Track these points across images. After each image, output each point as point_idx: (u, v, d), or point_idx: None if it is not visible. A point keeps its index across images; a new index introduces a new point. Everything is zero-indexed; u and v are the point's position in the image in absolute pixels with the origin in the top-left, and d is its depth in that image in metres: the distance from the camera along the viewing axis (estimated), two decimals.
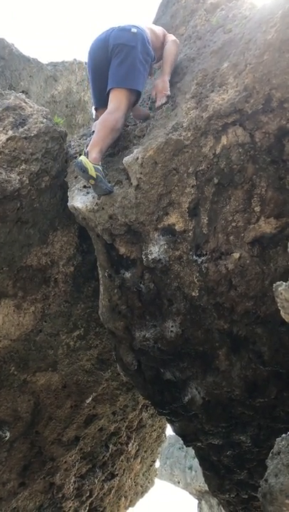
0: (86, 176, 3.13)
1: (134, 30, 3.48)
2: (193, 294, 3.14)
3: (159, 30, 3.90)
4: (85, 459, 5.65)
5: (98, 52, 3.61)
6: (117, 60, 3.44)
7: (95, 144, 3.27)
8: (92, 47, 3.69)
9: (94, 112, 4.01)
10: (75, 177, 3.59)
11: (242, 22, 3.19)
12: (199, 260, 3.10)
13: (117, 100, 3.37)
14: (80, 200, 3.34)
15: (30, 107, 3.63)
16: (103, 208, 3.24)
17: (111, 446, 5.93)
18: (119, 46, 3.45)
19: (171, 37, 3.81)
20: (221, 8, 3.81)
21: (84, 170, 3.10)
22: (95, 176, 3.11)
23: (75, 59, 7.76)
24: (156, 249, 3.19)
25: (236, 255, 3.00)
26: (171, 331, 3.28)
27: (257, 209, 2.93)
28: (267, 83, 2.66)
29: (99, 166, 3.17)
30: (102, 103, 3.62)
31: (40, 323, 4.20)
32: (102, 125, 3.33)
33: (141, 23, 3.67)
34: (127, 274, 3.38)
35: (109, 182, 3.29)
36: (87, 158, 3.16)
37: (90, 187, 3.37)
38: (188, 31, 4.11)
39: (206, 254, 3.09)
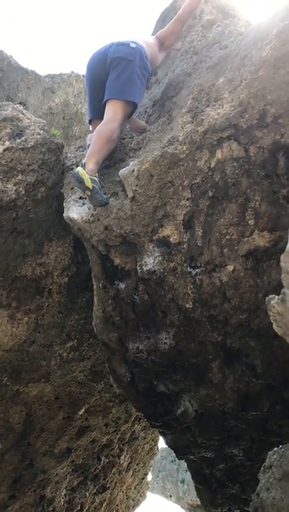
0: (82, 187, 3.15)
1: (132, 45, 3.56)
2: (187, 306, 3.15)
3: (152, 40, 3.99)
4: (77, 471, 5.59)
5: (97, 64, 3.67)
6: (115, 72, 3.49)
7: (91, 155, 3.29)
8: (91, 60, 3.75)
9: (88, 124, 4.04)
10: (71, 188, 3.61)
11: (238, 39, 3.25)
12: (193, 272, 3.12)
13: (113, 111, 3.41)
14: (75, 211, 3.36)
15: (28, 118, 3.66)
16: (99, 219, 3.26)
17: (103, 458, 5.88)
18: (118, 60, 3.51)
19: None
20: (218, 24, 3.88)
21: (80, 181, 3.11)
22: (91, 187, 3.12)
23: (72, 71, 7.83)
24: (150, 261, 3.20)
25: (230, 268, 3.02)
26: (165, 343, 3.28)
27: (251, 222, 2.95)
28: (262, 99, 2.70)
29: (95, 178, 3.19)
30: (97, 115, 3.67)
31: (33, 334, 4.19)
32: (98, 136, 3.35)
33: (139, 38, 3.72)
34: (122, 285, 3.39)
35: (105, 194, 3.32)
36: (84, 169, 3.18)
37: (85, 198, 3.39)
38: (185, 46, 4.18)
39: (201, 266, 3.11)
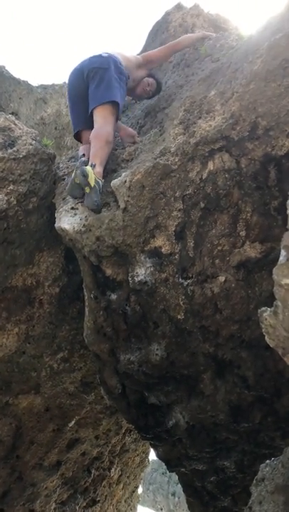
0: (84, 182, 3.22)
1: (104, 54, 3.72)
2: (179, 316, 3.15)
3: (130, 55, 4.10)
4: (67, 484, 5.52)
5: (75, 80, 3.81)
6: (94, 82, 3.61)
7: (94, 155, 3.39)
8: (70, 76, 3.90)
9: (74, 137, 4.09)
10: (63, 198, 3.60)
11: (229, 52, 3.29)
12: (185, 283, 3.12)
13: (102, 116, 3.52)
14: (67, 221, 3.35)
15: (20, 128, 3.66)
16: (90, 230, 3.25)
17: (93, 471, 5.81)
18: (94, 70, 3.64)
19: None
20: (209, 38, 3.93)
21: (85, 175, 3.21)
22: (92, 185, 3.20)
23: (65, 82, 7.87)
24: (142, 272, 3.19)
25: (222, 279, 3.02)
26: (156, 354, 3.26)
27: (242, 233, 2.96)
28: (253, 111, 2.72)
29: (100, 181, 3.28)
30: (84, 125, 3.78)
31: (23, 345, 4.15)
32: (97, 139, 3.44)
33: (112, 50, 3.87)
34: (113, 296, 3.38)
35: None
36: (93, 169, 3.26)
37: (77, 208, 3.39)
38: (177, 59, 4.21)
39: (192, 277, 3.11)
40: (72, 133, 4.09)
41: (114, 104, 3.54)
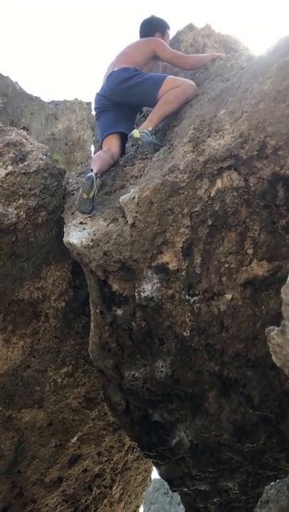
0: (133, 140, 3.57)
1: (116, 69, 3.98)
2: (185, 334, 3.13)
3: (135, 57, 4.21)
4: (67, 501, 5.45)
5: (100, 103, 4.14)
6: (136, 83, 3.85)
7: (148, 119, 3.72)
8: (96, 103, 4.22)
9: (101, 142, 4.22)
10: (72, 213, 3.63)
11: (239, 72, 3.33)
12: (192, 300, 3.11)
13: (173, 84, 3.75)
14: (75, 236, 3.37)
15: (31, 143, 3.71)
16: (98, 245, 3.27)
17: (94, 488, 5.73)
18: (120, 87, 3.89)
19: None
20: (220, 58, 3.99)
21: (131, 136, 3.55)
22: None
23: (76, 99, 8.00)
24: (149, 287, 3.20)
25: (228, 296, 3.01)
26: (161, 371, 3.24)
27: (250, 251, 2.96)
28: (262, 131, 2.75)
29: (145, 131, 3.53)
30: (112, 130, 4.02)
31: (28, 359, 4.14)
32: (163, 101, 3.72)
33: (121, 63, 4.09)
34: (119, 312, 3.38)
35: (105, 220, 3.34)
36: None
37: (86, 223, 3.41)
38: (187, 77, 4.27)
39: (199, 294, 3.11)
40: (100, 139, 4.26)
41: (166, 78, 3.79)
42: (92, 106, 8.36)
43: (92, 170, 3.55)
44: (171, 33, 4.66)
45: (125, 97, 3.93)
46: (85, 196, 3.40)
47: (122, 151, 4.09)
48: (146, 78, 3.84)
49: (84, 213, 3.49)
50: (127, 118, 4.09)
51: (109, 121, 4.04)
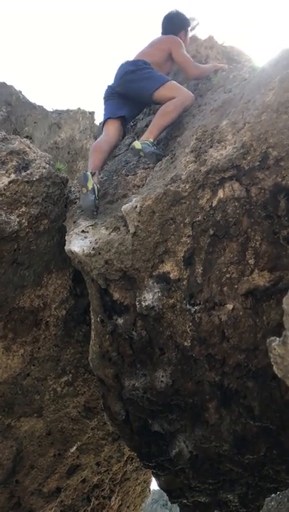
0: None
1: (124, 63, 4.08)
2: (186, 343, 3.13)
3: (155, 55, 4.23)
4: None
5: (109, 93, 4.15)
6: (137, 78, 3.91)
7: (148, 130, 3.71)
8: (104, 93, 4.23)
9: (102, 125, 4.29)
10: (74, 222, 3.64)
11: (242, 83, 3.36)
12: (193, 310, 3.11)
13: (171, 91, 3.78)
14: (77, 244, 3.38)
15: (34, 152, 3.73)
16: (100, 253, 3.27)
17: (93, 499, 5.68)
18: (124, 79, 3.96)
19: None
20: (222, 69, 4.02)
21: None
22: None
23: (79, 108, 8.06)
24: (150, 297, 3.19)
25: (230, 306, 3.01)
26: (162, 381, 3.23)
27: (251, 262, 2.96)
28: (264, 142, 2.76)
29: (146, 142, 3.53)
30: (113, 115, 4.04)
31: (28, 367, 4.13)
32: (162, 112, 3.74)
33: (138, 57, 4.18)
34: (120, 320, 3.37)
35: (106, 228, 3.35)
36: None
37: (88, 232, 3.42)
38: (190, 88, 4.30)
39: (200, 303, 3.10)
40: (102, 121, 4.32)
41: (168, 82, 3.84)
42: (96, 115, 8.41)
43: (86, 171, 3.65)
44: None
45: (126, 89, 4.00)
46: (84, 190, 3.48)
47: (123, 134, 4.17)
48: (148, 76, 3.89)
49: (88, 209, 3.53)
50: (128, 105, 4.11)
51: (110, 108, 4.10)
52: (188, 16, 4.52)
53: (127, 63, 4.07)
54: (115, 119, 4.01)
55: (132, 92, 3.98)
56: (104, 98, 4.25)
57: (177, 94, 3.76)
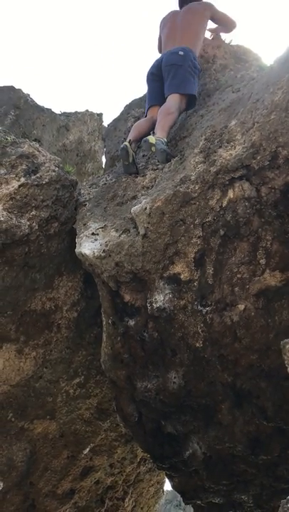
0: (147, 146, 3.68)
1: (181, 52, 4.15)
2: (197, 344, 3.12)
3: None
4: None
5: (155, 69, 4.38)
6: (169, 76, 4.13)
7: (160, 128, 3.84)
8: (151, 68, 4.46)
9: (146, 110, 4.49)
10: (84, 224, 3.65)
11: (250, 83, 3.34)
12: (204, 311, 3.10)
13: (174, 100, 4.02)
14: (87, 246, 3.39)
15: (43, 155, 3.74)
16: (110, 256, 3.28)
17: (107, 501, 5.68)
18: (169, 67, 4.15)
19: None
20: (230, 68, 4.01)
21: (146, 141, 3.66)
22: (154, 143, 3.59)
23: (87, 110, 8.08)
24: (161, 298, 3.19)
25: (241, 307, 3.00)
26: (174, 383, 3.23)
27: (262, 261, 2.95)
28: (274, 141, 2.75)
29: (161, 139, 3.66)
30: (156, 102, 4.29)
31: (40, 369, 4.14)
32: (164, 112, 3.95)
33: (190, 43, 4.30)
34: (131, 322, 3.37)
35: (116, 230, 3.35)
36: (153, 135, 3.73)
37: (98, 234, 3.43)
38: (198, 89, 4.29)
39: (211, 304, 3.09)
40: (146, 108, 4.52)
41: (187, 95, 4.05)
42: (103, 117, 8.43)
43: (125, 139, 3.88)
44: None
45: (166, 78, 4.20)
46: (126, 163, 3.85)
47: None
48: (182, 78, 4.06)
49: (131, 174, 3.90)
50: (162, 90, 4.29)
51: (156, 92, 4.34)
52: None
53: (178, 56, 4.17)
54: (158, 106, 4.23)
55: (167, 81, 4.18)
56: (152, 74, 4.44)
57: (176, 104, 4.00)
